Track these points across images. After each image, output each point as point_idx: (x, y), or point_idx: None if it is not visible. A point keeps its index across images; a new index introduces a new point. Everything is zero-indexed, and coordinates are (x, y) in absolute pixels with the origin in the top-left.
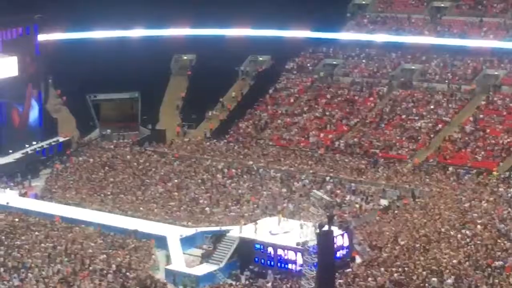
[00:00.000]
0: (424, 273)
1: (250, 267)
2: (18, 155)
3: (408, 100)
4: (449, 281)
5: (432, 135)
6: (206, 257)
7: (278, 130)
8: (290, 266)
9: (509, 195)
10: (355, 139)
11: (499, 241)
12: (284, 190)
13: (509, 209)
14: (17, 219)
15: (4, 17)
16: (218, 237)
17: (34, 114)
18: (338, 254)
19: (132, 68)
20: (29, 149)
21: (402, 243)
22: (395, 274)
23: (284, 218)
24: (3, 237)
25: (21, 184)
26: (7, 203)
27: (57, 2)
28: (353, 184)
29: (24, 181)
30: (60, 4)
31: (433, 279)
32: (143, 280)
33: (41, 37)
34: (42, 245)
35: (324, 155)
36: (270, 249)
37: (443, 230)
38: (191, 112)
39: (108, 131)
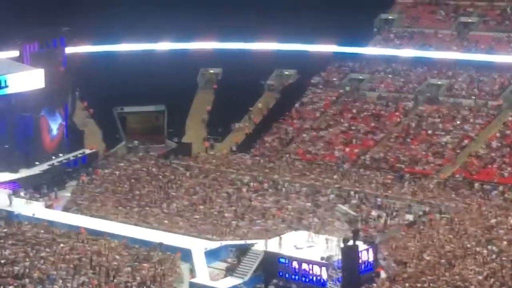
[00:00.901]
0: None
1: (274, 281)
2: (44, 166)
3: (434, 115)
4: None
5: (458, 151)
6: (230, 271)
7: (303, 144)
8: (314, 280)
9: None
10: (381, 154)
11: None
12: (309, 204)
13: None
14: (42, 231)
15: (31, 30)
16: (242, 251)
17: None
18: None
19: (158, 81)
20: (55, 161)
21: (427, 258)
22: None
23: (316, 234)
24: (29, 249)
25: (47, 196)
26: (33, 214)
27: (85, 15)
28: (378, 199)
29: (50, 193)
30: (87, 17)
31: None
32: None
33: (69, 50)
34: (67, 257)
35: (349, 170)
36: (294, 263)
37: (468, 246)
38: (217, 126)
39: (136, 142)
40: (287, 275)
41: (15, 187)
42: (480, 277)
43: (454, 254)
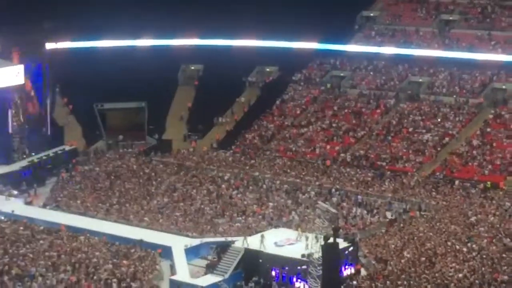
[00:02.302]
0: (429, 287)
1: (255, 278)
2: (24, 163)
3: (415, 113)
4: None
5: (439, 148)
6: (210, 268)
7: (284, 141)
8: (294, 278)
9: None
10: (362, 151)
11: (504, 255)
12: (289, 201)
13: None
14: (22, 228)
15: (12, 26)
16: (223, 248)
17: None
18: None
19: (139, 77)
20: (35, 157)
21: (407, 256)
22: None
23: (302, 233)
24: (8, 245)
25: (27, 193)
26: (12, 211)
27: (66, 11)
28: (359, 197)
29: (29, 190)
30: (69, 13)
31: None
32: None
33: (49, 46)
34: (47, 253)
35: (330, 167)
36: (275, 261)
37: (449, 243)
38: (197, 123)
39: (121, 137)
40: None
41: None
42: (460, 275)
43: (434, 252)
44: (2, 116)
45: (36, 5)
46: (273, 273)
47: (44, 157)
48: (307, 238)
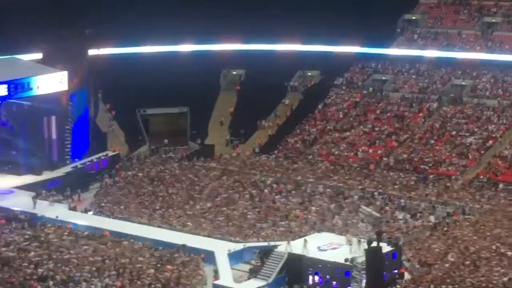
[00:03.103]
0: None
1: (299, 283)
2: (67, 169)
3: (458, 116)
4: None
5: (482, 152)
6: (254, 273)
7: (327, 145)
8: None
9: None
10: (405, 155)
11: None
12: (332, 206)
13: None
14: (66, 233)
15: (55, 33)
16: (266, 253)
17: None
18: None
19: (181, 82)
20: (78, 163)
21: (451, 260)
22: None
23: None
24: (52, 251)
25: (71, 198)
26: (57, 216)
27: (108, 17)
28: (402, 200)
29: (73, 195)
30: (111, 19)
31: None
32: None
33: (92, 52)
34: (91, 259)
35: (373, 171)
36: (318, 265)
37: (493, 247)
38: (239, 127)
39: (166, 141)
40: (311, 277)
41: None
42: (505, 279)
43: (479, 256)
44: (46, 122)
45: (79, 12)
46: (316, 277)
47: (87, 163)
48: (350, 243)
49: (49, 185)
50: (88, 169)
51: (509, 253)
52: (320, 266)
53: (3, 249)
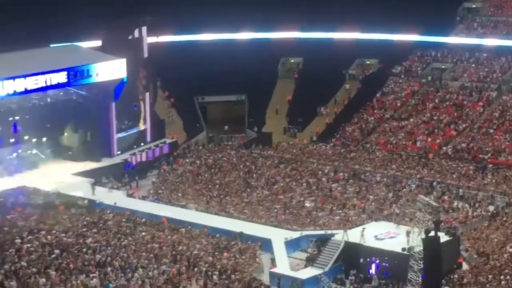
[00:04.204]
0: None
1: (354, 271)
2: (126, 156)
3: None
4: None
5: None
6: (310, 261)
7: (384, 134)
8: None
9: None
10: (464, 144)
11: None
12: (390, 195)
13: None
14: (124, 220)
15: (113, 20)
16: (323, 241)
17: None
18: None
19: (239, 70)
20: (137, 150)
21: (510, 250)
22: (503, 282)
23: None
24: (111, 237)
25: (129, 185)
26: (115, 203)
27: (166, 5)
28: (460, 190)
29: (131, 182)
30: (169, 7)
31: None
32: (247, 282)
33: (150, 40)
34: (149, 245)
35: (431, 160)
36: (375, 254)
37: None
38: (297, 116)
39: (226, 127)
40: (368, 266)
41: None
42: None
43: None
44: (105, 110)
45: (137, 2)
46: (373, 266)
47: (145, 150)
48: (407, 233)
49: (125, 167)
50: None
51: None
52: (377, 255)
53: (62, 235)
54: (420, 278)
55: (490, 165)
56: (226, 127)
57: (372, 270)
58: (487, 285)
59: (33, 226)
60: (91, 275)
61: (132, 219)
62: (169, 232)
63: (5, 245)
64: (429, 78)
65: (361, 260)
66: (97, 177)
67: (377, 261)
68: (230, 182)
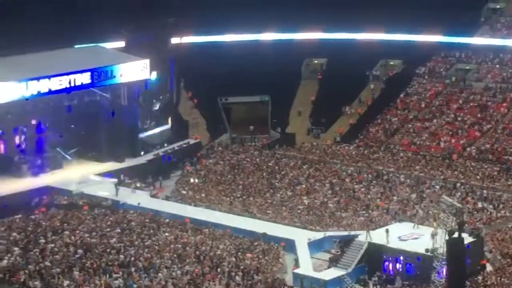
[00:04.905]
0: None
1: (378, 272)
2: (150, 156)
3: None
4: None
5: None
6: (334, 262)
7: (408, 135)
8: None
9: None
10: (488, 145)
11: None
12: (414, 195)
13: None
14: (147, 220)
15: (137, 21)
16: (346, 242)
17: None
18: None
19: (262, 71)
20: (160, 151)
21: None
22: None
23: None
24: (134, 237)
25: (152, 185)
26: (139, 203)
27: (190, 5)
28: (484, 191)
29: (155, 182)
30: (193, 7)
31: None
32: (270, 283)
33: (174, 40)
34: (172, 246)
35: (455, 161)
36: (399, 255)
37: None
38: (321, 116)
39: (252, 127)
40: (391, 267)
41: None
42: None
43: None
44: (129, 110)
45: (160, 2)
46: (398, 265)
47: (169, 151)
48: (432, 236)
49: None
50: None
51: None
52: (401, 256)
53: (86, 235)
54: (444, 279)
55: None
56: (252, 127)
57: (395, 269)
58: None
59: (57, 226)
60: (115, 275)
61: (155, 219)
62: (192, 233)
63: (29, 245)
64: (453, 79)
65: (385, 261)
66: (120, 177)
67: (402, 260)
68: (253, 183)
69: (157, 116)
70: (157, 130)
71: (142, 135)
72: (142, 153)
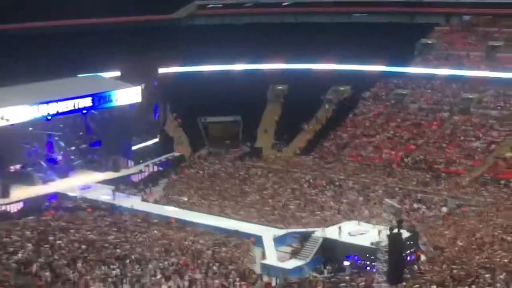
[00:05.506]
0: (479, 270)
1: (332, 263)
2: (141, 167)
3: (466, 124)
4: (501, 277)
5: (486, 154)
6: (295, 254)
7: (356, 148)
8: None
9: None
10: (421, 156)
11: None
12: (361, 198)
13: None
14: (139, 220)
15: (131, 54)
16: (305, 237)
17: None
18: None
19: (235, 95)
20: (150, 162)
21: (460, 244)
22: (455, 271)
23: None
24: (128, 234)
25: (143, 191)
26: (132, 206)
27: (174, 42)
28: (419, 195)
29: (146, 189)
30: (177, 44)
31: (487, 275)
32: (242, 272)
33: (161, 70)
34: (160, 241)
35: (395, 170)
36: (348, 248)
37: (495, 233)
38: (283, 133)
39: (228, 141)
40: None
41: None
42: (506, 260)
43: (483, 241)
44: (125, 128)
45: (150, 39)
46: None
47: (157, 162)
48: (379, 232)
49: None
50: (158, 167)
51: (509, 238)
52: (350, 249)
53: (88, 232)
54: (386, 268)
55: (443, 174)
56: (228, 141)
57: (347, 262)
58: (441, 274)
59: (64, 225)
60: (112, 266)
61: (146, 219)
62: (177, 230)
63: (41, 242)
64: (393, 101)
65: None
66: (116, 185)
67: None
68: (228, 188)
69: (147, 132)
70: (147, 143)
71: (134, 147)
72: (135, 164)
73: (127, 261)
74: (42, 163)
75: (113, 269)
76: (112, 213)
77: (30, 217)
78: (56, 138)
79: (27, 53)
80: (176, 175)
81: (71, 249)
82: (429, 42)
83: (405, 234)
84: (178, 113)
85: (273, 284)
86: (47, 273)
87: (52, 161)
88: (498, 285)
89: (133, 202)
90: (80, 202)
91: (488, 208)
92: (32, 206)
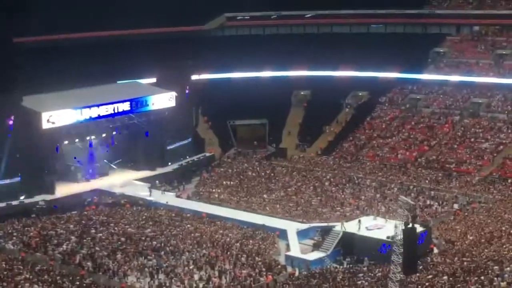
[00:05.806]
0: (488, 262)
1: (351, 255)
2: (175, 166)
3: (476, 126)
4: (508, 268)
5: (495, 154)
6: (317, 246)
7: (373, 149)
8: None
9: None
10: (434, 157)
11: None
12: (378, 195)
13: None
14: (174, 215)
15: (166, 62)
16: (326, 231)
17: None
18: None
19: (262, 100)
20: (183, 162)
21: (470, 238)
22: (465, 263)
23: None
24: (163, 228)
25: (177, 188)
26: (167, 202)
27: (207, 50)
28: (432, 192)
29: (179, 186)
30: (209, 52)
31: (495, 267)
32: (268, 263)
33: (194, 77)
34: (192, 235)
35: (409, 169)
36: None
37: (503, 228)
38: (306, 135)
39: (255, 142)
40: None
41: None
42: None
43: (492, 235)
44: (160, 130)
45: (183, 48)
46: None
47: (190, 161)
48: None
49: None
50: (191, 166)
51: None
52: (367, 242)
53: (126, 226)
54: (401, 259)
55: (455, 173)
56: (256, 142)
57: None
58: (452, 265)
59: (104, 219)
60: (149, 257)
61: (180, 214)
62: (208, 225)
63: (83, 234)
64: (407, 106)
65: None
66: (152, 182)
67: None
68: (255, 186)
69: (180, 134)
70: (180, 143)
71: (169, 147)
72: (170, 163)
73: (162, 252)
74: (85, 162)
75: (150, 260)
76: (148, 209)
77: (73, 212)
78: (97, 140)
79: (71, 62)
80: (207, 174)
81: (111, 241)
82: (441, 50)
83: (419, 228)
84: (209, 116)
85: (296, 274)
86: (89, 263)
87: (93, 160)
88: (506, 275)
89: (167, 198)
90: (120, 198)
91: (496, 205)
92: (75, 201)
